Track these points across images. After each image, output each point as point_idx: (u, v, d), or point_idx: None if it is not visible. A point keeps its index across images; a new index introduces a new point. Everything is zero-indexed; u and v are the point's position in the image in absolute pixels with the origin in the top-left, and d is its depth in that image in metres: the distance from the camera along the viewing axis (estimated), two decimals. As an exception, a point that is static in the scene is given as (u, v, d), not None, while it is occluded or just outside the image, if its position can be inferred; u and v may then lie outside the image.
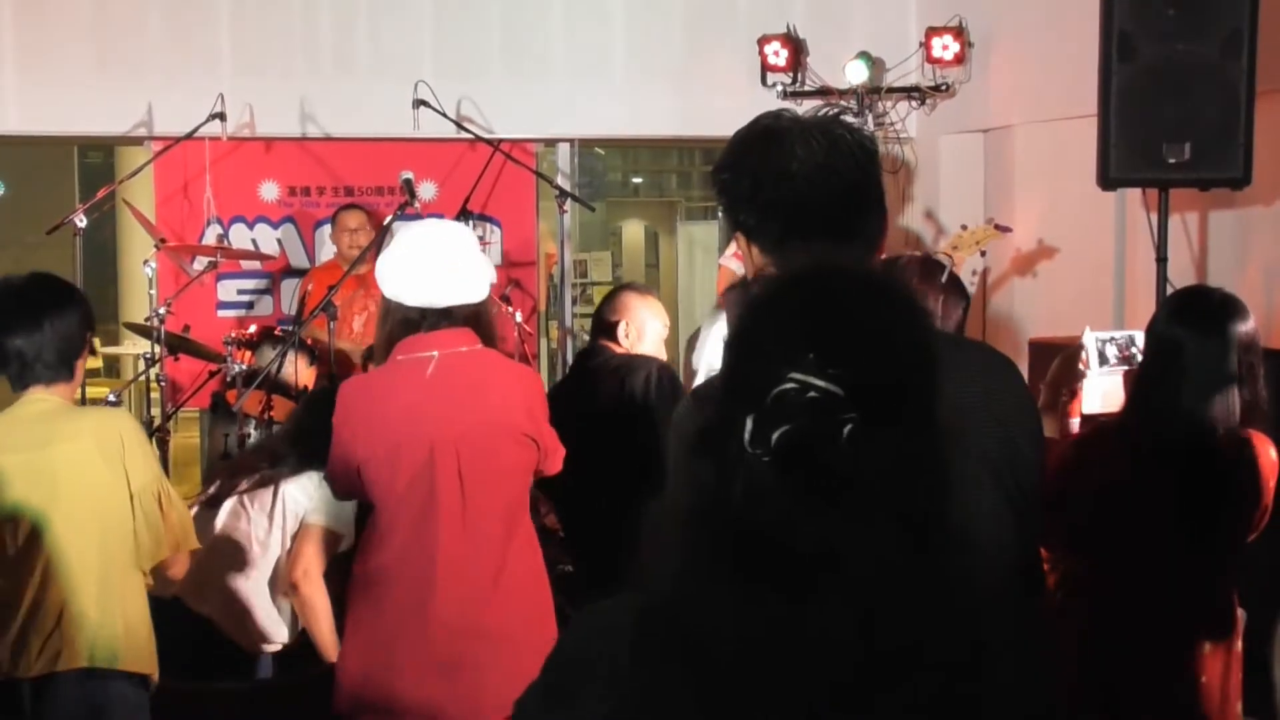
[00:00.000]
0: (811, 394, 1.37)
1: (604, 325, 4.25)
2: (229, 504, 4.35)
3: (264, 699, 4.30)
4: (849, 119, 2.15)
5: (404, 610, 3.40)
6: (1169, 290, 5.59)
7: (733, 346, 1.49)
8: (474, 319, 3.45)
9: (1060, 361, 3.69)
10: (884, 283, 1.52)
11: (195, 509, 4.46)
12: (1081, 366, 3.66)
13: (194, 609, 4.23)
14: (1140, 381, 3.43)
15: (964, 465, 1.82)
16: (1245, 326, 3.38)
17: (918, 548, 1.40)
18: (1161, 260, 5.62)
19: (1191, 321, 3.37)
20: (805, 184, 2.08)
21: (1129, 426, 3.39)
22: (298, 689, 4.10)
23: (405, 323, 3.45)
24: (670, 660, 1.39)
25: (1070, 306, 6.83)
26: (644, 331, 4.15)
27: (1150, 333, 3.43)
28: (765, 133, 2.14)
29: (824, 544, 1.36)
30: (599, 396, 4.44)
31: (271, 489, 4.31)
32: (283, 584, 4.23)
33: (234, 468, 4.57)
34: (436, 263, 3.40)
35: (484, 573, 3.42)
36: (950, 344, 2.19)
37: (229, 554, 4.29)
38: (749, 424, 1.38)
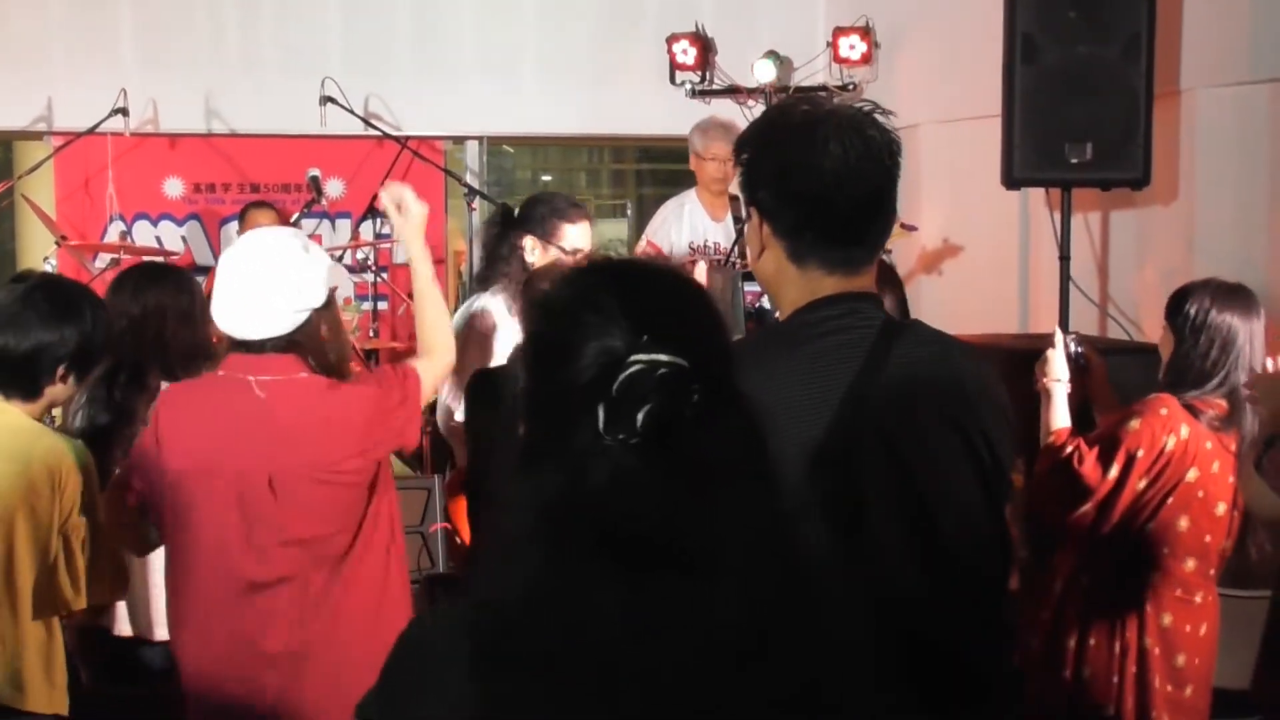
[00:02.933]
0: (661, 370, 1.42)
1: None
2: None
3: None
4: (879, 116, 2.15)
5: (222, 647, 3.20)
6: (1071, 289, 5.69)
7: (550, 347, 1.52)
8: (295, 345, 3.17)
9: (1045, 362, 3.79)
10: (671, 267, 1.63)
11: None
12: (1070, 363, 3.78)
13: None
14: (1189, 367, 3.56)
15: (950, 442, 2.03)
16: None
17: (774, 511, 1.48)
18: (1064, 259, 5.71)
19: (1238, 308, 3.54)
20: (833, 182, 2.08)
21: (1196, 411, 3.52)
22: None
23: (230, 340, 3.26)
24: (527, 662, 1.40)
25: (975, 305, 6.91)
26: None
27: (1194, 319, 3.54)
28: (801, 120, 2.13)
29: (704, 517, 1.41)
30: None
31: None
32: None
33: None
34: (234, 293, 3.17)
35: (298, 617, 3.17)
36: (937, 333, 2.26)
37: None
38: (601, 413, 1.41)
